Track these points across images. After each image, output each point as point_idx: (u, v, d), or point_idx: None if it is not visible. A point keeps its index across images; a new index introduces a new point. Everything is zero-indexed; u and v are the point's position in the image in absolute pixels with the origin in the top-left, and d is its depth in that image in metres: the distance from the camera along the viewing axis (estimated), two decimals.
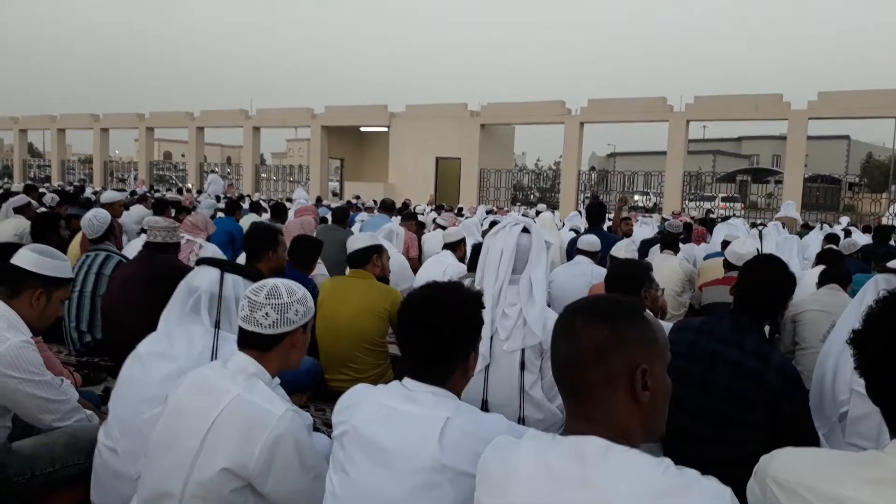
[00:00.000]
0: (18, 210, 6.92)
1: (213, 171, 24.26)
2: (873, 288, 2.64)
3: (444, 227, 8.47)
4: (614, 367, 1.19)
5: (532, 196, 29.59)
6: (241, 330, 1.85)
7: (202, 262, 2.35)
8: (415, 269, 6.21)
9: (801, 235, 9.45)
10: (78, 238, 5.80)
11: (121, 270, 4.27)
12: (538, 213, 12.89)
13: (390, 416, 1.56)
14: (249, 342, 1.84)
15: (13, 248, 2.60)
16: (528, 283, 2.75)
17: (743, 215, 21.67)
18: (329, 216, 9.10)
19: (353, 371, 3.61)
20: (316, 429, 2.54)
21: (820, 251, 5.74)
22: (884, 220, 18.51)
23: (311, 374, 3.57)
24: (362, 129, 27.49)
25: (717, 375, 2.43)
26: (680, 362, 2.51)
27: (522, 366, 2.76)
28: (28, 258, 2.35)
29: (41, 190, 13.62)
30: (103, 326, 4.31)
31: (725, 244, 6.11)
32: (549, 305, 5.00)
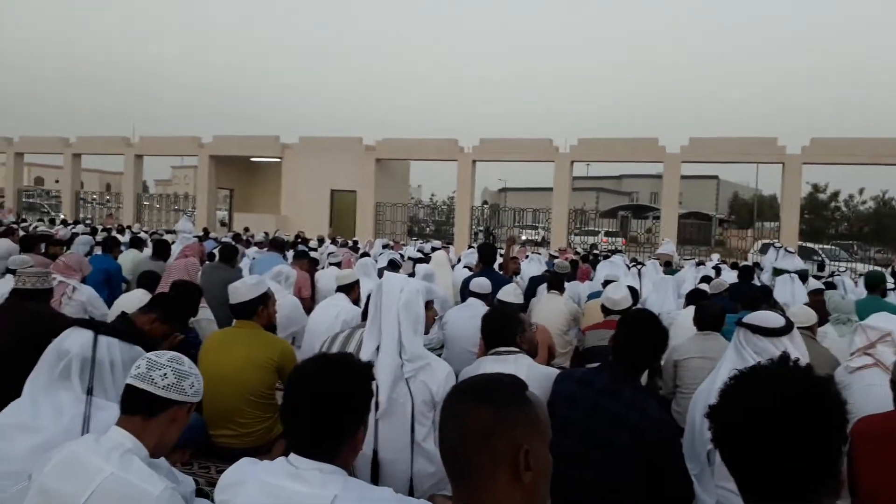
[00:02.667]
0: None
1: (186, 214, 22.81)
2: (734, 348, 2.89)
3: (338, 265, 8.41)
4: (499, 450, 1.23)
5: (428, 229, 29.93)
6: (131, 389, 1.79)
7: (75, 322, 2.21)
8: (308, 309, 6.10)
9: (673, 272, 10.11)
10: None
11: None
12: (433, 248, 13.06)
13: (276, 496, 1.52)
14: (136, 404, 1.78)
15: None
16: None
17: (625, 249, 22.94)
18: (217, 252, 8.79)
19: (238, 426, 3.47)
20: (199, 490, 2.44)
21: (689, 291, 6.17)
22: (749, 256, 20.16)
23: (193, 430, 3.38)
24: (253, 159, 26.85)
25: (598, 425, 2.55)
26: (563, 412, 2.63)
27: (413, 416, 2.77)
28: None
29: None
30: None
31: (607, 283, 6.43)
32: (443, 347, 5.11)
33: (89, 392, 2.08)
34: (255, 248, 11.44)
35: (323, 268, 9.29)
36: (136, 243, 9.39)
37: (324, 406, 1.57)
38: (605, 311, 5.01)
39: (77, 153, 27.96)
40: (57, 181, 36.45)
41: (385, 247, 14.11)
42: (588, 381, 2.67)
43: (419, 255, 11.26)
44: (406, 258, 10.02)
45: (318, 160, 24.00)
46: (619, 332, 2.70)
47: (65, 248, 8.42)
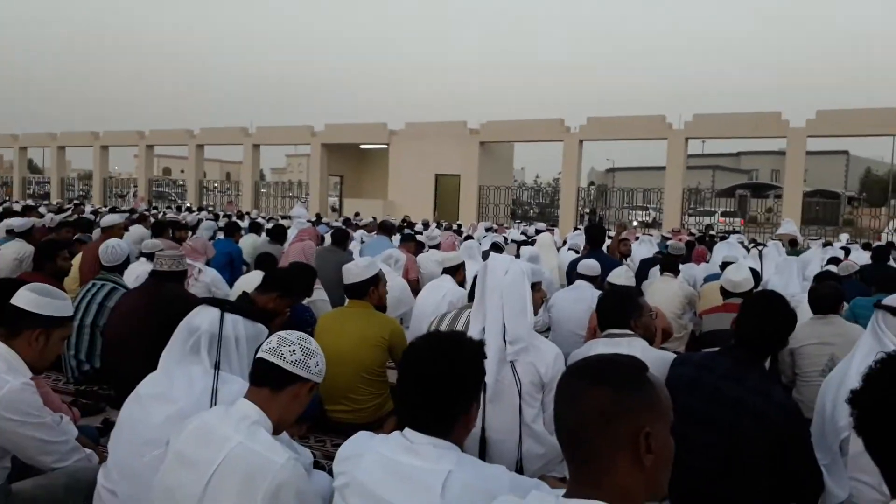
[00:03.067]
0: (21, 234, 6.92)
1: (300, 201, 24.17)
2: (872, 332, 2.66)
3: (437, 247, 8.49)
4: (618, 433, 1.19)
5: (531, 212, 29.66)
6: (261, 362, 1.87)
7: (203, 301, 2.35)
8: (414, 291, 6.21)
9: (798, 253, 9.46)
10: (77, 262, 5.80)
11: (125, 299, 4.27)
12: (537, 231, 12.92)
13: (392, 469, 1.56)
14: (264, 377, 1.87)
15: (12, 285, 2.60)
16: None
17: (743, 230, 21.71)
18: (328, 236, 9.12)
19: (352, 402, 3.60)
20: (316, 463, 2.54)
21: (817, 274, 5.75)
22: (883, 236, 18.54)
23: (310, 404, 3.56)
24: (362, 146, 27.61)
25: (720, 411, 2.43)
26: (681, 398, 2.51)
27: (520, 397, 2.76)
28: (28, 298, 2.35)
29: (40, 209, 13.66)
30: (105, 356, 4.30)
31: (725, 265, 6.10)
32: (549, 329, 5.05)
33: (217, 366, 2.20)
34: (361, 232, 11.76)
35: (426, 250, 9.43)
36: (255, 228, 9.92)
37: (436, 383, 1.58)
38: (725, 293, 4.76)
39: (200, 144, 29.84)
40: (182, 171, 39.15)
41: (488, 230, 14.11)
42: (708, 365, 2.55)
43: (523, 237, 11.17)
44: (509, 241, 9.96)
45: (423, 145, 24.31)
46: (743, 314, 2.56)
47: (191, 233, 9.01)
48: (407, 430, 1.61)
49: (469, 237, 10.83)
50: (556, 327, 4.97)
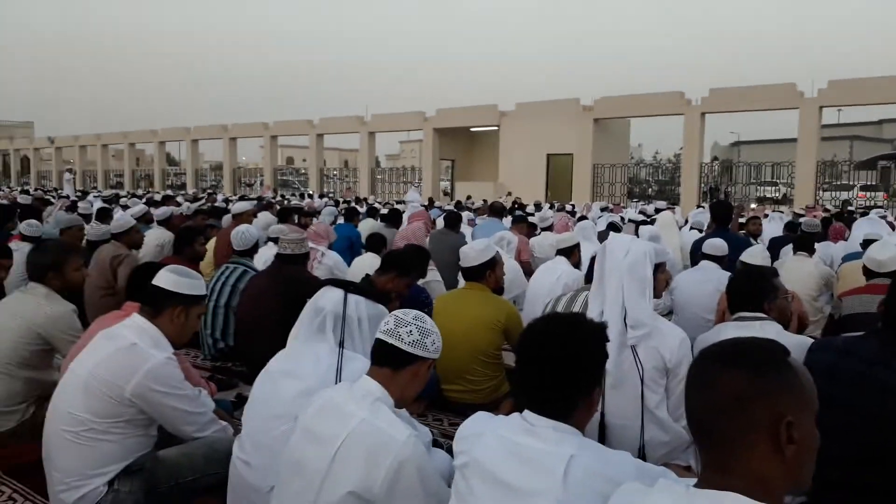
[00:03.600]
0: (161, 222, 7.50)
1: (414, 187, 25.05)
2: None
3: (549, 229, 8.33)
4: (755, 420, 1.11)
5: (650, 190, 28.57)
6: (380, 344, 1.92)
7: (327, 282, 2.44)
8: (527, 274, 6.16)
9: None
10: (212, 247, 6.22)
11: (253, 282, 4.53)
12: (657, 210, 12.42)
13: (512, 451, 1.54)
14: (384, 357, 1.91)
15: (154, 268, 2.81)
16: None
17: (886, 205, 19.82)
18: (438, 219, 9.23)
19: (469, 382, 3.62)
20: (435, 441, 2.57)
21: None
22: None
23: (428, 383, 3.62)
24: (472, 129, 27.67)
25: (864, 397, 2.24)
26: (820, 384, 2.32)
27: (642, 383, 2.65)
28: (167, 279, 2.53)
29: (178, 199, 14.76)
30: (237, 335, 4.59)
31: (867, 242, 5.59)
32: (672, 313, 4.84)
33: (341, 344, 2.29)
34: (470, 214, 11.81)
35: (538, 233, 9.32)
36: (372, 213, 10.21)
37: (557, 365, 1.54)
38: (868, 273, 4.36)
39: (320, 134, 31.05)
40: (304, 160, 40.98)
41: (604, 210, 13.73)
42: (851, 350, 2.34)
43: (641, 217, 10.77)
44: (627, 221, 9.64)
45: (534, 125, 23.99)
46: (892, 295, 2.33)
47: (314, 218, 9.41)
48: (526, 413, 1.59)
49: (583, 218, 10.59)
50: (679, 310, 4.75)
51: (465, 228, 8.66)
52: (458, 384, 3.64)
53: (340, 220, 9.11)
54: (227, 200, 16.70)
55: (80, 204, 12.39)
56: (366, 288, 2.53)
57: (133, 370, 2.32)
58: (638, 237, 6.50)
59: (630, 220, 9.63)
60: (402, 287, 3.94)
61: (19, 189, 26.23)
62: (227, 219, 8.05)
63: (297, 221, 8.11)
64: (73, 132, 42.48)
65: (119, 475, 2.32)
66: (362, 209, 11.67)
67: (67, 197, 16.96)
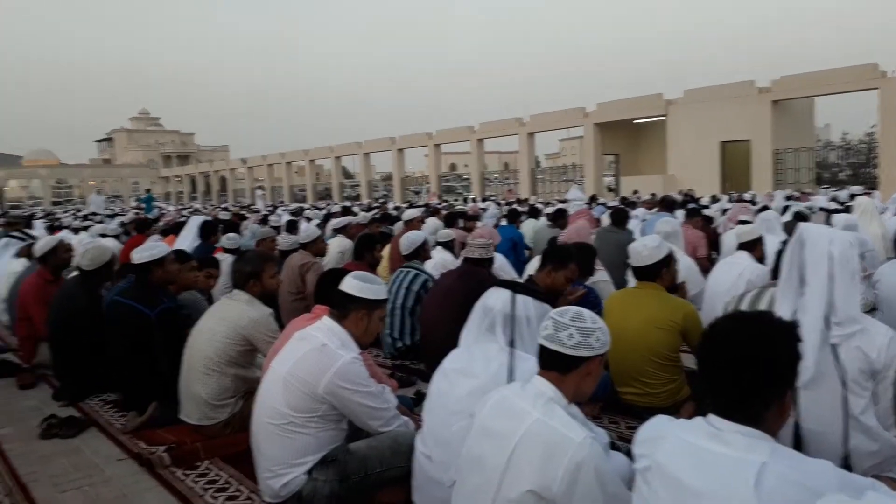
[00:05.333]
0: (339, 230, 8.05)
1: (576, 185, 25.15)
2: None
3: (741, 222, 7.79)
4: None
5: (842, 174, 25.76)
6: (543, 349, 1.92)
7: (496, 283, 2.49)
8: (705, 270, 5.82)
9: None
10: (387, 254, 6.58)
11: (440, 282, 4.73)
12: (852, 196, 11.19)
13: (697, 456, 1.47)
14: (550, 362, 1.91)
15: (338, 274, 3.04)
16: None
17: None
18: (604, 216, 9.00)
19: (644, 385, 3.50)
20: (612, 444, 2.52)
21: None
22: None
23: (601, 385, 3.56)
24: (636, 121, 26.68)
25: None
26: None
27: (844, 386, 2.41)
28: (352, 284, 2.72)
29: (353, 209, 15.74)
30: (421, 332, 4.81)
31: None
32: (874, 309, 4.34)
33: (511, 344, 2.33)
34: (642, 210, 11.38)
35: (717, 226, 8.77)
36: (533, 213, 10.21)
37: (744, 366, 1.45)
38: None
39: (480, 138, 31.61)
40: (466, 165, 41.90)
41: (788, 198, 12.62)
42: None
43: (834, 204, 9.75)
44: (815, 209, 8.77)
45: (705, 112, 22.64)
46: None
47: (477, 222, 9.60)
48: (711, 417, 1.51)
49: (765, 208, 9.81)
50: (884, 307, 4.25)
51: (634, 225, 8.38)
52: (634, 387, 3.53)
53: (503, 223, 9.21)
54: (396, 208, 17.54)
55: (270, 217, 13.67)
56: (532, 288, 2.55)
57: (324, 369, 2.52)
58: (832, 227, 5.94)
59: (821, 209, 8.76)
60: (561, 281, 3.89)
61: (220, 206, 29.39)
62: (399, 225, 8.45)
63: (461, 225, 8.33)
64: (261, 153, 46.92)
65: (316, 465, 2.54)
66: (523, 209, 11.71)
67: (259, 211, 18.73)
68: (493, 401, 1.96)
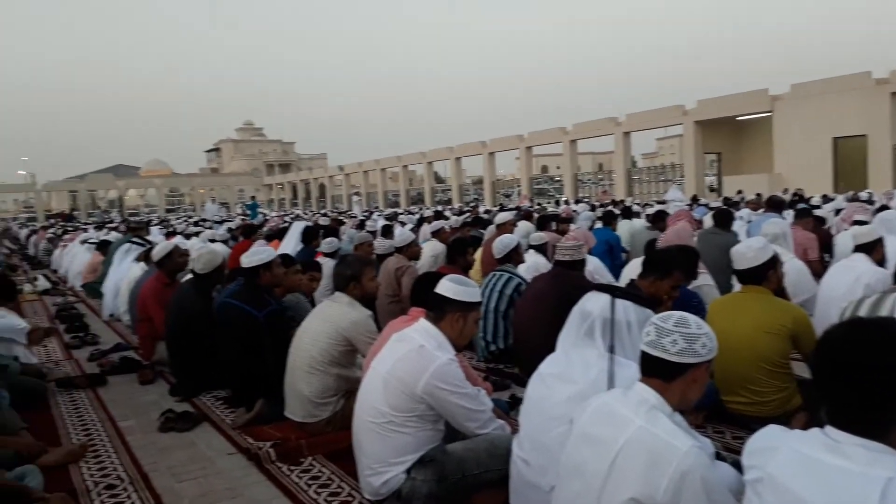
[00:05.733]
0: (434, 234, 8.16)
1: (676, 185, 24.42)
2: None
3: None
4: None
5: None
6: (645, 355, 1.87)
7: (593, 287, 2.45)
8: (816, 274, 5.50)
9: None
10: (479, 257, 6.61)
11: (533, 285, 4.73)
12: None
13: (814, 469, 1.39)
14: (653, 369, 1.86)
15: (433, 277, 3.09)
16: None
17: None
18: (706, 218, 8.65)
19: (751, 394, 3.34)
20: (718, 454, 2.43)
21: None
22: None
23: (706, 393, 3.42)
24: (739, 118, 25.48)
25: None
26: None
27: None
28: (448, 287, 2.76)
29: (445, 213, 15.92)
30: (514, 336, 4.81)
31: None
32: None
33: (611, 350, 2.28)
34: (747, 211, 10.86)
35: (830, 227, 8.24)
36: (628, 214, 9.95)
37: (865, 376, 1.36)
38: None
39: (573, 139, 31.15)
40: (558, 167, 41.41)
41: None
42: None
43: None
44: None
45: (815, 107, 21.35)
46: None
47: (571, 224, 9.46)
48: (829, 428, 1.42)
49: (884, 207, 9.12)
50: None
51: (739, 226, 8.01)
52: (741, 395, 3.38)
53: (598, 225, 9.03)
54: (488, 212, 17.58)
55: (367, 222, 14.04)
56: (633, 292, 2.49)
57: (422, 370, 2.57)
58: None
59: None
60: (666, 290, 3.76)
61: (320, 212, 30.46)
62: (490, 229, 8.47)
63: (554, 228, 8.24)
64: (357, 160, 48.32)
65: (414, 465, 2.59)
66: (619, 212, 11.43)
67: (356, 216, 19.28)
68: (594, 407, 1.93)
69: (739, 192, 18.69)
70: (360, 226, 12.97)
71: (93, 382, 4.99)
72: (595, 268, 5.91)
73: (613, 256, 7.36)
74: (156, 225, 18.27)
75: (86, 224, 22.01)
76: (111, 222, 23.23)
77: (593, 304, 2.37)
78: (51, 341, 6.56)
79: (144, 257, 7.08)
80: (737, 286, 3.77)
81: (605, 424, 1.85)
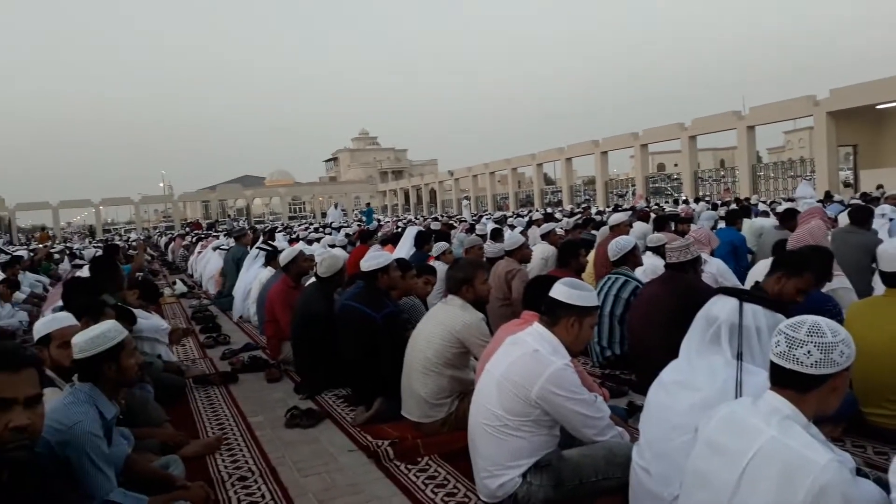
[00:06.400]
0: (544, 237, 8.09)
1: (806, 180, 23.16)
2: None
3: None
4: None
5: None
6: (776, 367, 1.76)
7: (719, 290, 2.34)
8: None
9: None
10: (591, 259, 6.48)
11: (645, 290, 4.60)
12: None
13: None
14: (785, 381, 1.74)
15: (545, 281, 3.06)
16: None
17: None
18: (841, 215, 8.00)
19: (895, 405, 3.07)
20: (859, 470, 2.25)
21: None
22: None
23: (845, 404, 3.17)
24: (879, 106, 23.39)
25: None
26: None
27: None
28: (562, 291, 2.72)
29: (556, 215, 15.73)
30: (629, 342, 4.68)
31: None
32: None
33: (738, 357, 2.16)
34: (888, 206, 9.94)
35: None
36: (747, 213, 9.38)
37: None
38: None
39: (692, 135, 29.84)
40: (676, 164, 39.80)
41: None
42: None
43: None
44: None
45: None
46: None
47: (691, 224, 9.07)
48: None
49: None
50: None
51: (881, 224, 7.35)
52: (884, 408, 3.11)
53: (721, 225, 8.59)
54: (600, 212, 17.18)
55: (476, 226, 14.13)
56: (762, 296, 2.35)
57: (537, 374, 2.55)
58: None
59: None
60: (792, 291, 3.50)
61: (431, 217, 30.99)
62: (604, 230, 8.28)
63: (673, 229, 7.92)
64: (466, 164, 48.74)
65: (530, 469, 2.58)
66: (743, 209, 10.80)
67: (465, 220, 19.47)
68: (721, 416, 1.84)
69: (880, 186, 17.20)
70: (471, 230, 13.07)
71: (225, 380, 5.34)
72: (718, 270, 5.64)
73: (738, 258, 6.98)
74: (279, 231, 19.27)
75: (216, 232, 23.58)
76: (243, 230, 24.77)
77: (720, 308, 2.26)
78: (188, 341, 7.10)
79: (272, 262, 7.50)
80: (878, 289, 3.47)
81: (734, 434, 1.76)
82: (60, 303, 4.98)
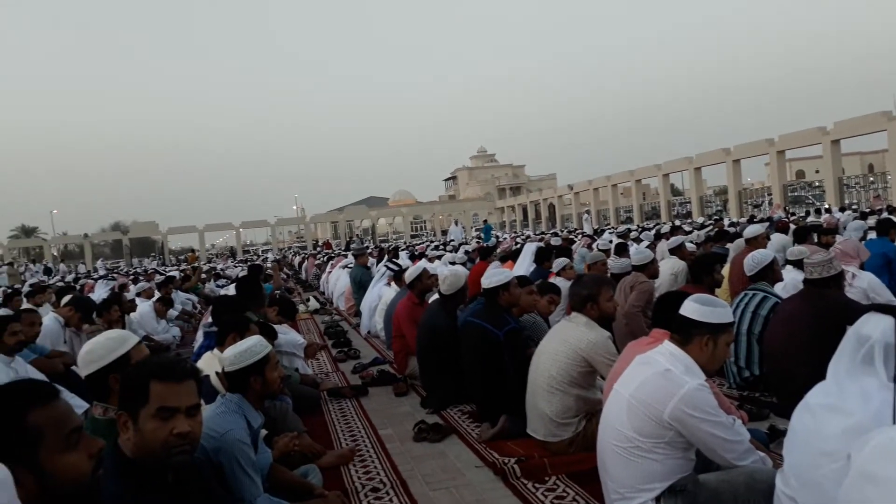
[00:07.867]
0: (673, 251, 7.78)
1: None
2: None
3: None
4: None
5: None
6: None
7: (871, 307, 2.16)
8: None
9: None
10: (726, 274, 6.16)
11: (783, 307, 4.34)
12: None
13: None
14: None
15: (675, 297, 2.95)
16: None
17: None
18: None
19: None
20: None
21: None
22: None
23: None
24: None
25: None
26: None
27: None
28: (693, 308, 2.62)
29: (684, 227, 15.08)
30: (766, 363, 4.42)
31: None
32: None
33: (895, 379, 1.99)
34: None
35: None
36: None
37: None
38: None
39: (835, 139, 27.66)
40: (817, 171, 36.97)
41: None
42: None
43: None
44: None
45: None
46: None
47: (837, 235, 8.40)
48: None
49: None
50: None
51: None
52: None
53: (871, 235, 7.89)
54: (733, 224, 16.28)
55: (598, 241, 13.84)
56: None
57: (669, 395, 2.46)
58: None
59: None
60: None
61: (551, 232, 30.71)
62: (739, 243, 7.85)
63: (816, 241, 7.37)
64: (587, 178, 47.89)
65: (664, 493, 2.48)
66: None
67: (587, 235, 19.12)
68: (877, 442, 1.70)
69: None
70: (591, 245, 12.82)
71: (356, 392, 5.57)
72: (870, 285, 5.19)
73: (892, 272, 6.38)
74: (403, 250, 19.86)
75: (345, 251, 24.68)
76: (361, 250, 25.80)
77: (872, 327, 2.08)
78: (321, 355, 7.47)
79: (398, 280, 7.75)
80: None
81: (891, 462, 1.61)
82: (210, 319, 5.42)
